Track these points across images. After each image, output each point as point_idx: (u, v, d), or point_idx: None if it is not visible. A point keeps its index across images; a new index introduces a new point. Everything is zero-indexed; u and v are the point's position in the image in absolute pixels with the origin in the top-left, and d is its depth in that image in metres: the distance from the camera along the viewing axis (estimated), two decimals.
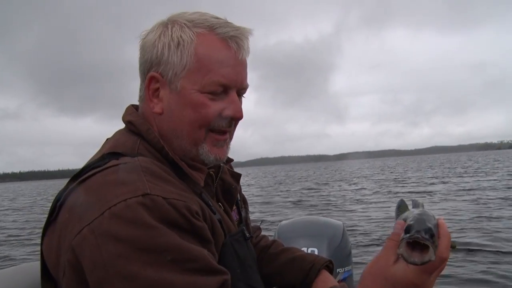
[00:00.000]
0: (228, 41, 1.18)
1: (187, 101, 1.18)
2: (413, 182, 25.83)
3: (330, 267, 1.58)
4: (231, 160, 1.54)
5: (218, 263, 1.13)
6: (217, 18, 1.23)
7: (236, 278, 1.19)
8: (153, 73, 1.21)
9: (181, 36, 1.18)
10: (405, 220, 0.99)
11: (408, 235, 0.89)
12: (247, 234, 1.38)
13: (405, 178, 30.80)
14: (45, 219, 1.10)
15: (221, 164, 1.39)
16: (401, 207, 1.13)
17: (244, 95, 1.29)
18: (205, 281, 0.95)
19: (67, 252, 0.97)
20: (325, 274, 1.53)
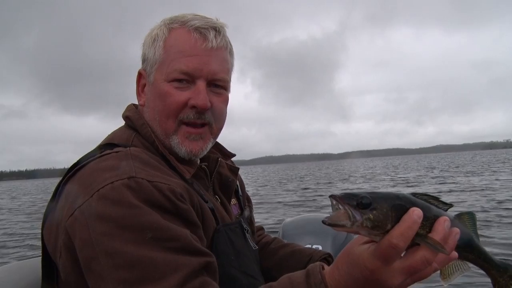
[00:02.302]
0: (193, 32, 1.23)
1: (157, 91, 1.25)
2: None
3: (329, 260, 1.58)
4: (232, 155, 1.57)
5: (211, 248, 1.19)
6: (197, 15, 1.28)
7: (229, 265, 1.24)
8: (140, 70, 1.32)
9: (157, 33, 1.27)
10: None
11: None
12: (245, 226, 1.41)
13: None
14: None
15: (219, 159, 1.43)
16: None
17: (227, 89, 1.32)
18: (185, 261, 0.97)
19: (62, 233, 1.03)
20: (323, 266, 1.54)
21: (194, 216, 1.10)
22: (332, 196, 0.89)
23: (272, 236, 1.84)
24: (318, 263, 1.05)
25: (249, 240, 1.41)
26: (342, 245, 2.35)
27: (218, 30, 1.26)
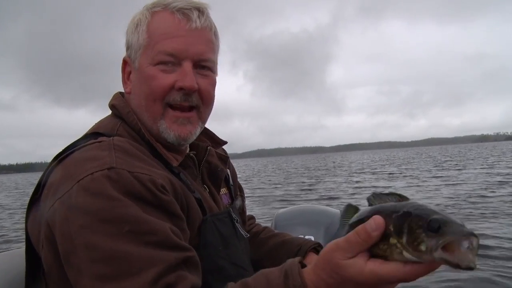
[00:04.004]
0: (176, 13, 1.21)
1: (142, 76, 1.23)
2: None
3: (318, 250, 1.58)
4: (224, 142, 1.55)
5: (199, 239, 1.18)
6: None
7: (217, 255, 1.23)
8: (124, 57, 1.30)
9: (139, 18, 1.25)
10: (361, 219, 0.88)
11: (450, 234, 0.74)
12: (234, 216, 1.39)
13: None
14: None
15: (208, 147, 1.40)
16: (349, 212, 1.04)
17: (214, 71, 1.30)
18: (162, 255, 0.95)
19: (44, 225, 1.02)
20: (312, 256, 1.53)
21: (176, 208, 1.08)
22: (470, 235, 0.74)
23: (263, 225, 1.83)
24: (296, 259, 1.00)
25: (239, 230, 1.39)
26: (334, 236, 2.34)
27: (201, 10, 1.25)
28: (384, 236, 0.82)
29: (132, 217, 0.96)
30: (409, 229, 0.80)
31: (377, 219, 0.82)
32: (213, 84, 1.30)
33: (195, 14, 1.22)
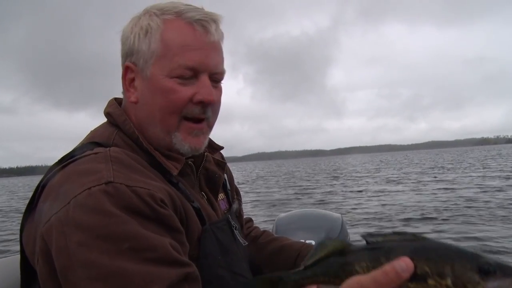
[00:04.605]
0: (194, 24, 1.19)
1: (157, 88, 1.19)
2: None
3: None
4: (220, 147, 1.53)
5: (199, 250, 1.16)
6: (188, 5, 1.23)
7: (217, 265, 1.21)
8: (127, 63, 1.25)
9: (149, 24, 1.21)
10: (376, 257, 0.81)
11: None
12: (233, 223, 1.37)
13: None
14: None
15: (205, 153, 1.39)
16: (323, 247, 0.91)
17: (222, 81, 1.29)
18: (162, 273, 0.93)
19: (39, 239, 1.00)
20: None
21: (175, 222, 1.06)
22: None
23: (262, 229, 1.81)
24: None
25: (237, 237, 1.37)
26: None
27: (216, 22, 1.23)
28: (413, 278, 0.78)
29: (131, 233, 0.94)
30: (455, 271, 0.78)
31: (406, 260, 0.78)
32: (221, 93, 1.29)
33: (213, 27, 1.21)
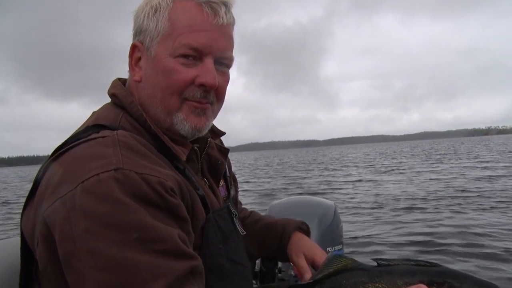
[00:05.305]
0: (203, 6, 1.17)
1: (159, 67, 1.17)
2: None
3: (303, 229, 1.57)
4: (222, 133, 1.51)
5: (201, 239, 1.15)
6: None
7: (218, 254, 1.19)
8: (135, 42, 1.23)
9: (159, 3, 1.19)
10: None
11: None
12: (233, 210, 1.37)
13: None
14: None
15: (209, 139, 1.37)
16: (333, 262, 0.97)
17: (230, 68, 1.27)
18: (169, 265, 0.92)
19: (40, 223, 0.97)
20: (298, 235, 1.53)
21: (184, 211, 1.04)
22: None
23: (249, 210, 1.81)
24: None
25: (237, 225, 1.37)
26: (328, 226, 2.39)
27: (227, 6, 1.21)
28: None
29: (140, 223, 0.92)
30: None
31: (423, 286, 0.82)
32: (228, 81, 1.27)
33: (222, 10, 1.18)
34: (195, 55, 1.17)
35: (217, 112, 1.30)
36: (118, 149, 1.02)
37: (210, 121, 1.27)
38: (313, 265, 1.46)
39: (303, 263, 1.46)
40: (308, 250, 1.50)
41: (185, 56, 1.16)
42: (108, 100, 1.29)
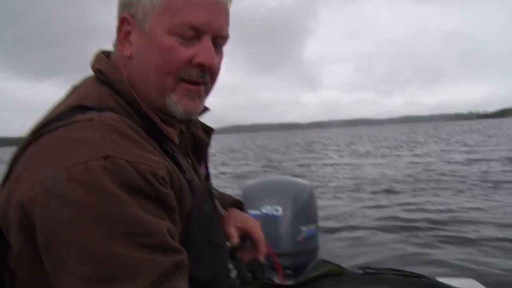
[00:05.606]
0: None
1: (154, 44, 1.11)
2: None
3: (238, 207, 1.57)
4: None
5: (188, 223, 1.11)
6: None
7: (200, 237, 1.17)
8: (124, 14, 1.14)
9: None
10: None
11: None
12: (214, 192, 1.35)
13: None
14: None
15: (193, 118, 1.32)
16: (319, 267, 0.96)
17: (224, 45, 1.22)
18: (155, 260, 0.88)
19: (16, 206, 0.92)
20: (232, 210, 1.52)
21: (173, 201, 1.00)
22: None
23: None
24: None
25: (218, 207, 1.35)
26: (302, 206, 2.42)
27: None
28: None
29: (129, 216, 0.87)
30: None
31: None
32: (222, 59, 1.22)
33: None
34: (193, 34, 1.11)
35: (210, 91, 1.25)
36: (107, 134, 0.96)
37: (203, 103, 1.22)
38: (249, 235, 1.48)
39: (231, 230, 1.45)
40: (241, 222, 1.49)
41: (183, 34, 1.10)
42: (84, 76, 1.21)
